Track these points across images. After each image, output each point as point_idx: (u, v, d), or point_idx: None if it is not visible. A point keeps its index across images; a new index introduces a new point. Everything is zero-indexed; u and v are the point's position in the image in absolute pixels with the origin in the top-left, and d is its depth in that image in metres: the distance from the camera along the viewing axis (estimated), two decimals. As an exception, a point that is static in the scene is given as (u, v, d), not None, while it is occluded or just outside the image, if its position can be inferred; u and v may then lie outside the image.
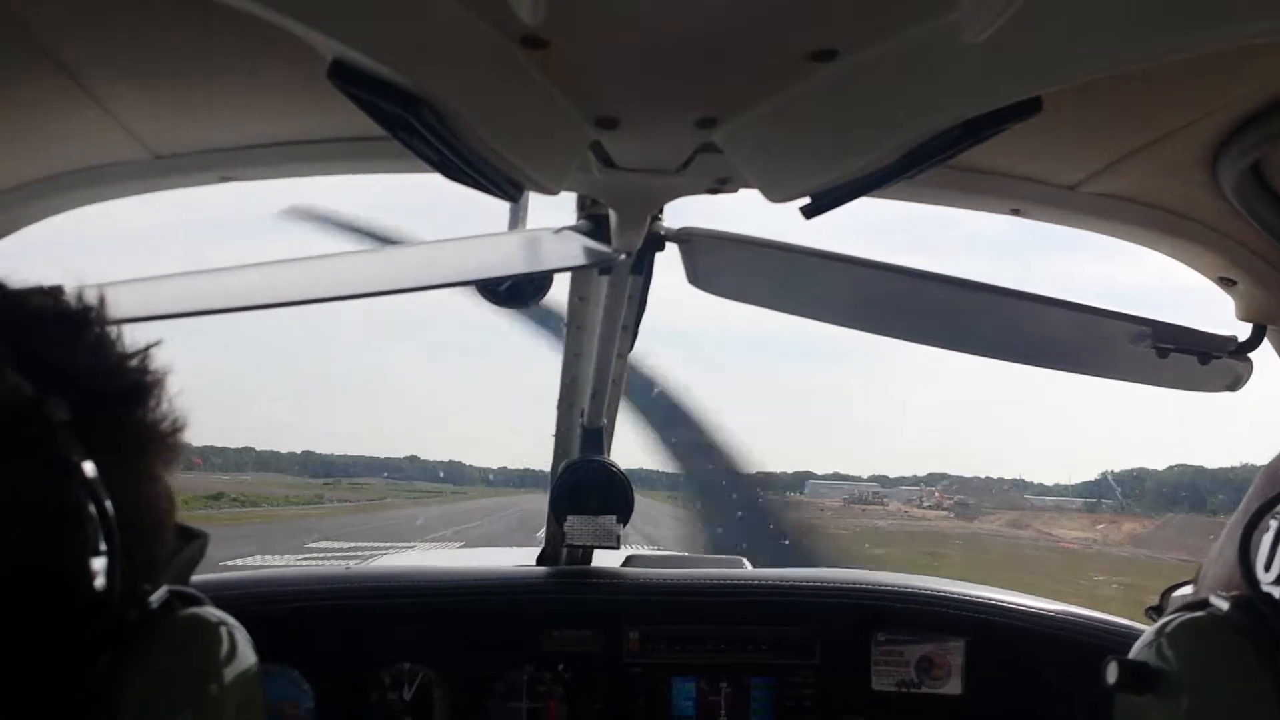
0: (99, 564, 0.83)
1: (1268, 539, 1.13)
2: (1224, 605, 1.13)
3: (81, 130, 1.86)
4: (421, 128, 1.41)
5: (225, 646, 0.95)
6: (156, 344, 0.97)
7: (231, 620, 0.97)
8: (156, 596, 0.91)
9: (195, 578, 1.05)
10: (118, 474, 0.87)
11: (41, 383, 0.84)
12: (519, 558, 3.95)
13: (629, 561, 3.72)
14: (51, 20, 1.51)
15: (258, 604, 2.89)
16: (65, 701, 0.83)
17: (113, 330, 0.96)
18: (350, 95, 1.35)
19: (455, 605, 3.12)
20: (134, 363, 0.96)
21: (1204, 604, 1.16)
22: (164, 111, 1.87)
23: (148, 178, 2.06)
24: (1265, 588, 1.11)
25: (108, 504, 0.84)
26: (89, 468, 0.84)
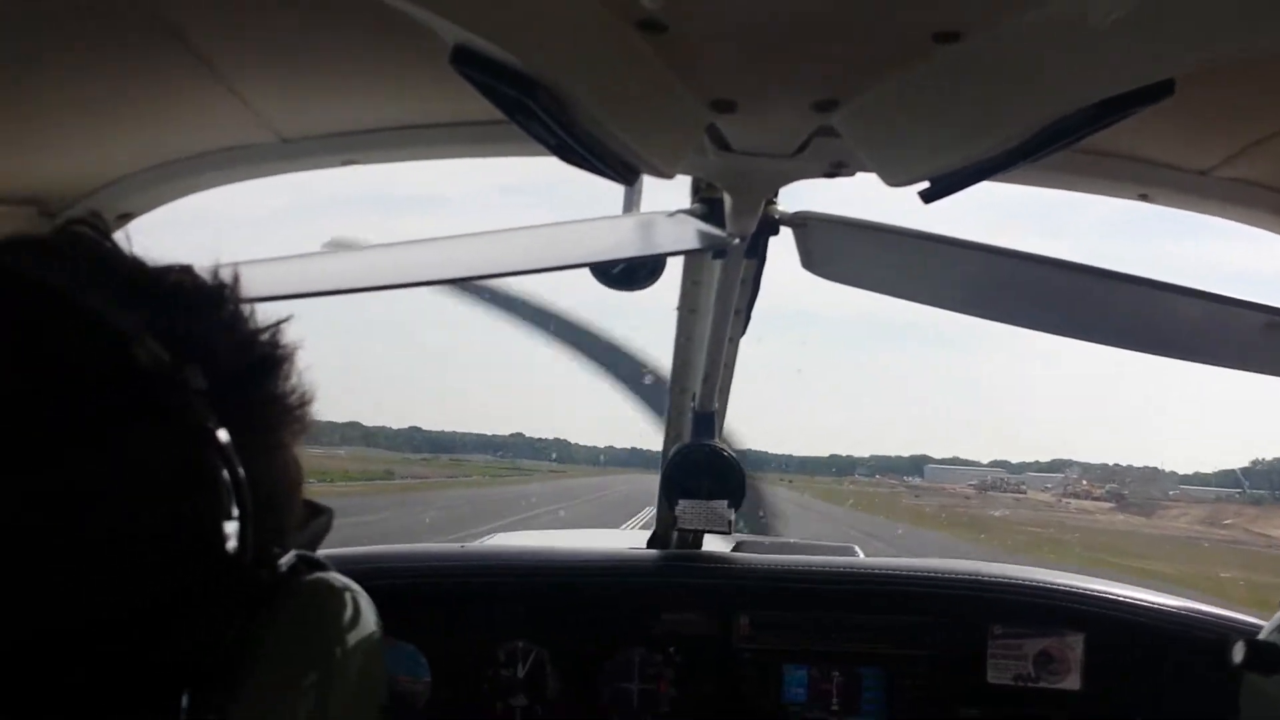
0: (231, 528, 0.86)
1: None
2: None
3: (211, 113, 1.92)
4: (540, 111, 1.42)
5: (350, 611, 0.98)
6: (287, 319, 1.00)
7: (356, 587, 1.00)
8: (285, 560, 0.94)
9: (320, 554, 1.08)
10: (249, 444, 0.89)
11: (178, 355, 0.87)
12: (630, 540, 3.97)
13: (740, 546, 3.71)
14: (183, 5, 1.56)
15: (377, 579, 2.95)
16: (197, 659, 0.86)
17: (246, 307, 0.99)
18: (471, 80, 1.37)
19: (568, 585, 3.15)
20: (265, 337, 0.99)
21: None
22: (291, 95, 1.92)
23: (274, 160, 2.12)
24: None
25: (240, 470, 0.87)
26: (223, 435, 0.86)
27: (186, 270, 0.98)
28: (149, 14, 1.56)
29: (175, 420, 0.86)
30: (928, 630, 3.06)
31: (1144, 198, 2.09)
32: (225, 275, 0.99)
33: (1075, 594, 3.09)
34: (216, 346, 0.94)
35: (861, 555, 3.82)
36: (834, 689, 3.05)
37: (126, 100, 1.85)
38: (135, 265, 0.96)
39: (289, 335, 1.01)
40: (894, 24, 1.37)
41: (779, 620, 3.07)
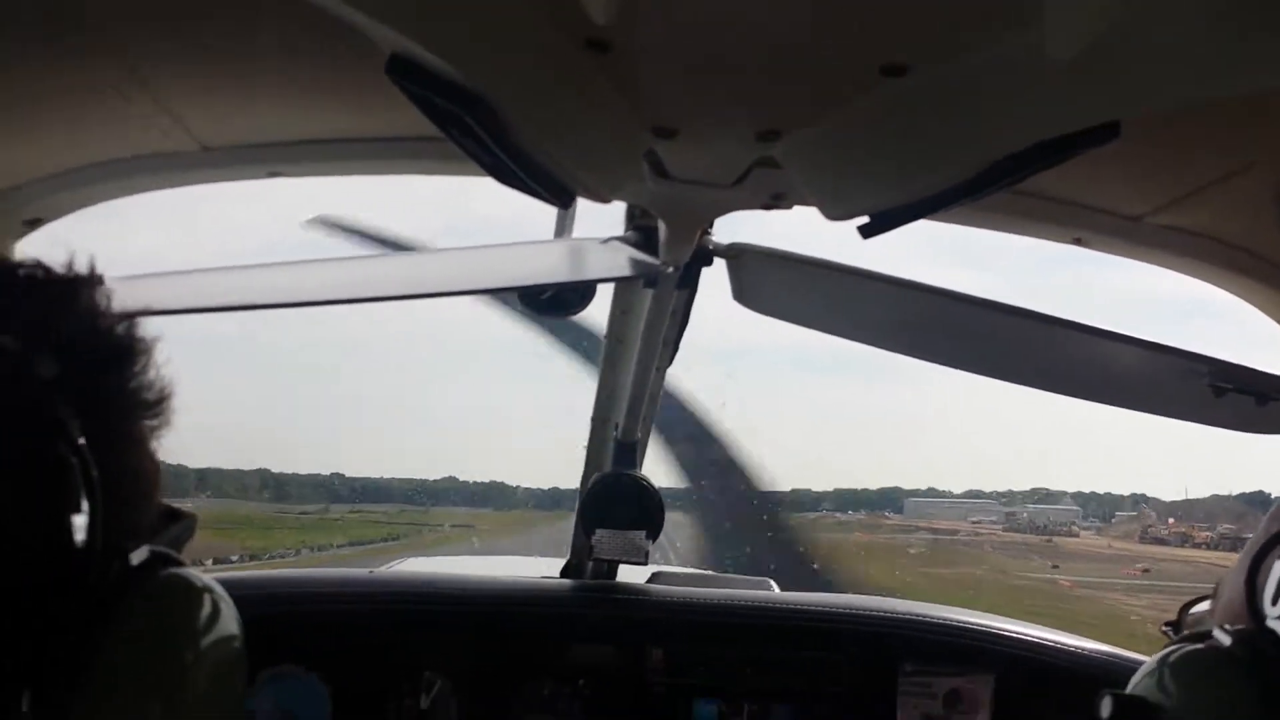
0: (80, 520, 0.83)
1: (1278, 569, 1.11)
2: (1226, 639, 1.11)
3: (131, 117, 1.85)
4: (476, 127, 1.38)
5: (206, 610, 0.95)
6: (143, 311, 0.99)
7: (217, 588, 0.96)
8: (137, 555, 0.91)
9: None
10: (102, 435, 0.88)
11: (28, 344, 0.85)
12: (543, 569, 3.91)
13: (655, 578, 3.68)
14: (107, 5, 1.50)
15: (277, 604, 2.87)
16: (40, 654, 0.82)
17: (101, 299, 0.97)
18: (406, 91, 1.33)
19: (477, 615, 3.09)
20: (120, 329, 0.97)
21: (1207, 635, 1.14)
22: (215, 102, 1.85)
23: (195, 169, 2.05)
24: (1270, 622, 1.09)
25: (91, 462, 0.84)
26: (74, 425, 0.85)
27: (39, 264, 0.97)
28: (69, 12, 1.49)
29: (23, 409, 0.83)
30: (839, 667, 3.05)
31: (1079, 242, 2.10)
32: (79, 267, 0.98)
33: (987, 634, 3.10)
34: (67, 336, 0.92)
35: (776, 589, 3.81)
36: (744, 724, 3.02)
37: (39, 102, 1.78)
38: None
39: (147, 328, 0.99)
40: (842, 56, 1.35)
41: (692, 654, 3.04)
